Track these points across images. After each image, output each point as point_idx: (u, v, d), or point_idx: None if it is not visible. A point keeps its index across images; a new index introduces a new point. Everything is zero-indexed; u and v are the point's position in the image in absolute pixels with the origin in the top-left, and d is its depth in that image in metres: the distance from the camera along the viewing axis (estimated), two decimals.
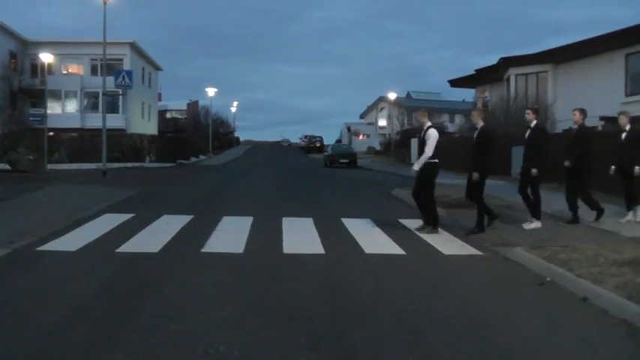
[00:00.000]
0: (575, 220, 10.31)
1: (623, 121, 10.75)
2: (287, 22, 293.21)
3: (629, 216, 10.42)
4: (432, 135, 9.80)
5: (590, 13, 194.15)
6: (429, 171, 9.84)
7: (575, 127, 10.63)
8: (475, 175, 9.76)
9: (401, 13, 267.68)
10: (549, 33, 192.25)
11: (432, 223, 9.89)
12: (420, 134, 10.28)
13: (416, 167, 9.87)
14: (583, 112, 10.71)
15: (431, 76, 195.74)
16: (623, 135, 10.58)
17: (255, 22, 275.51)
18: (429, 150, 9.73)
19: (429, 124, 10.09)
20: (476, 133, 10.08)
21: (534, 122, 10.17)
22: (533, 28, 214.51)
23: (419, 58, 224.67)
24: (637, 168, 10.14)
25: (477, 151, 9.92)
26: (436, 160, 9.82)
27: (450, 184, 18.70)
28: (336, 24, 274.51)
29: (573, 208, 10.42)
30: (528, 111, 10.43)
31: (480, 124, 10.09)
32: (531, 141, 10.02)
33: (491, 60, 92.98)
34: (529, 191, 10.06)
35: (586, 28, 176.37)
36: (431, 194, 9.96)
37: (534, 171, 9.81)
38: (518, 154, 21.55)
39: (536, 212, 10.05)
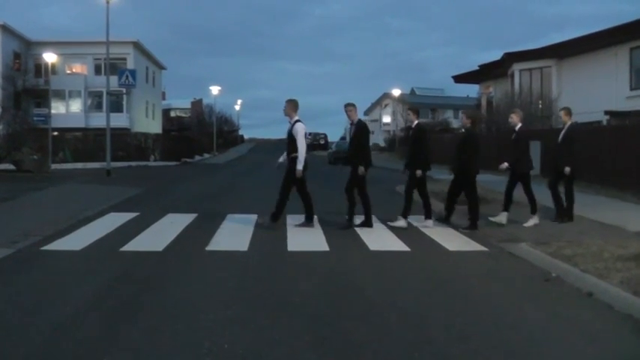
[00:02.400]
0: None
1: (514, 120, 10.41)
2: (288, 19, 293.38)
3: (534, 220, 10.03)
4: (301, 129, 9.81)
5: (592, 8, 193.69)
6: (295, 167, 9.79)
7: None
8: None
9: (402, 9, 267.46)
10: (551, 28, 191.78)
11: (275, 214, 9.88)
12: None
13: (299, 167, 9.68)
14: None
15: (433, 73, 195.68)
16: (513, 135, 10.30)
17: (257, 20, 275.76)
18: (303, 146, 9.72)
19: (297, 118, 10.06)
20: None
21: (415, 122, 10.39)
22: (535, 24, 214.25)
23: (421, 55, 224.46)
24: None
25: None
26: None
27: None
28: (337, 20, 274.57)
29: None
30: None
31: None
32: (410, 141, 10.37)
33: (494, 56, 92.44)
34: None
35: (588, 23, 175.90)
36: (289, 187, 9.95)
37: (419, 172, 10.04)
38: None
39: (405, 211, 10.18)
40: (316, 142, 67.34)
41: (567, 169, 9.91)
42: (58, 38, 46.12)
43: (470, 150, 10.07)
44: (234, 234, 9.30)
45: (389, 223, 10.22)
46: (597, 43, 26.31)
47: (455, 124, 47.12)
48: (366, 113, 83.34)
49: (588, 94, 26.12)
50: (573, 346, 4.52)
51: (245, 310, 5.26)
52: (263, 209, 10.29)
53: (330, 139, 66.99)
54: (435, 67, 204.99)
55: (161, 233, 9.30)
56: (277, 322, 4.91)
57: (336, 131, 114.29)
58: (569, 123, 10.27)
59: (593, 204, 12.16)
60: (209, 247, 8.24)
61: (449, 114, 57.61)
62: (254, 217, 10.88)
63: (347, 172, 10.27)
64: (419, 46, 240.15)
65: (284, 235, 9.21)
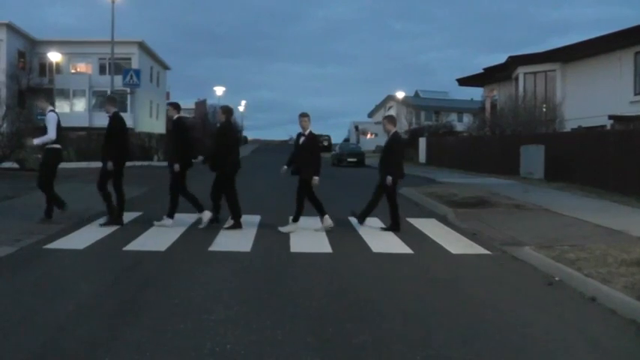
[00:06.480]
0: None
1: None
2: (291, 21, 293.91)
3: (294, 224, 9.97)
4: (52, 118, 9.88)
5: (594, 12, 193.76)
6: (50, 155, 9.93)
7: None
8: (389, 179, 9.83)
9: (405, 12, 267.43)
10: (554, 32, 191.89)
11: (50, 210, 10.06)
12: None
13: (36, 141, 10.03)
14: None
15: (437, 75, 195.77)
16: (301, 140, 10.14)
17: (261, 22, 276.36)
18: (52, 133, 9.76)
19: (50, 108, 10.18)
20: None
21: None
22: (537, 27, 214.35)
23: (425, 57, 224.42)
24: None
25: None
26: (58, 147, 9.96)
27: (459, 183, 18.64)
28: (341, 23, 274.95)
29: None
30: (167, 107, 10.69)
31: (393, 130, 10.15)
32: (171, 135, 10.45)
33: (497, 59, 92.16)
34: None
35: (591, 27, 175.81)
36: (49, 180, 9.97)
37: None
38: (527, 153, 21.56)
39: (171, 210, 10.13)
40: (320, 144, 67.39)
41: (389, 179, 9.81)
42: (62, 37, 46.33)
43: (223, 144, 10.19)
44: (237, 234, 9.31)
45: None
46: (602, 47, 26.29)
47: (459, 127, 47.17)
48: (370, 115, 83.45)
49: (592, 99, 26.10)
50: (576, 351, 4.51)
51: (247, 311, 5.26)
52: (266, 210, 10.28)
53: (333, 141, 66.95)
54: (439, 69, 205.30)
55: (164, 233, 9.31)
56: (280, 323, 4.90)
57: (339, 133, 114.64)
58: (392, 131, 10.12)
59: (597, 208, 12.14)
60: (212, 248, 8.24)
61: (453, 117, 57.77)
62: (257, 217, 10.89)
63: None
64: (423, 49, 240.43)
65: (287, 236, 9.22)
